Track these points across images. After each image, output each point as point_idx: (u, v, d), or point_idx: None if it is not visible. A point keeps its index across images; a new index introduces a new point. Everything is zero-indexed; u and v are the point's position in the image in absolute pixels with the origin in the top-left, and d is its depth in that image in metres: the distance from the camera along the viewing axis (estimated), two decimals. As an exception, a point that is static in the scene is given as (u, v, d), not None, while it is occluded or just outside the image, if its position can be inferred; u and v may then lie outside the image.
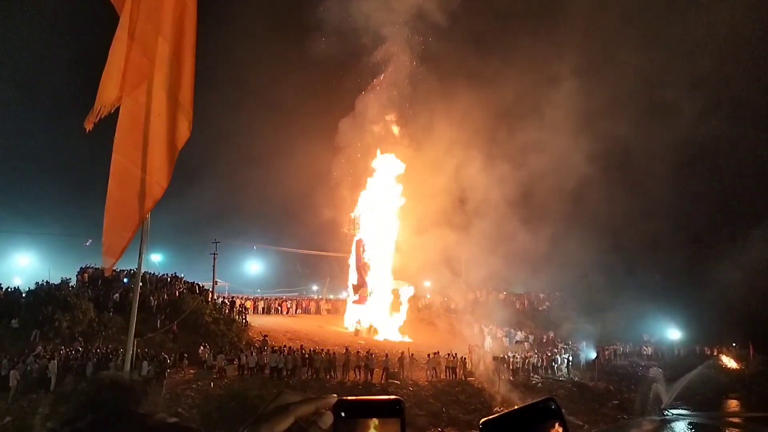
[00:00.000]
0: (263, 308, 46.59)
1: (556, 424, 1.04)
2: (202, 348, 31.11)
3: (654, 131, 50.45)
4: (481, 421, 1.05)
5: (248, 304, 44.86)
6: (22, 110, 69.91)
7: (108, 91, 4.23)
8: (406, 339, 42.61)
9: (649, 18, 56.21)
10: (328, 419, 1.01)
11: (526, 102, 50.31)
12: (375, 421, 1.02)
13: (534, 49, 53.35)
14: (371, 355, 32.70)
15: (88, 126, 4.16)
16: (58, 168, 73.09)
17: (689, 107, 50.26)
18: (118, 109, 4.27)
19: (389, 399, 1.05)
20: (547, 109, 48.37)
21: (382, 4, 48.72)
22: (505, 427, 1.04)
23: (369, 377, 31.63)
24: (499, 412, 1.08)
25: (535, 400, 1.06)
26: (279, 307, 47.97)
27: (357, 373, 31.97)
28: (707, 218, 61.78)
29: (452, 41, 49.30)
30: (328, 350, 32.85)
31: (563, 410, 1.06)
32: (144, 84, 4.36)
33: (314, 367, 31.33)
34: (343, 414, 1.02)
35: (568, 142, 46.12)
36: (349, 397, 1.05)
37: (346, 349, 33.27)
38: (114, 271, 36.01)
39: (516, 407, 1.06)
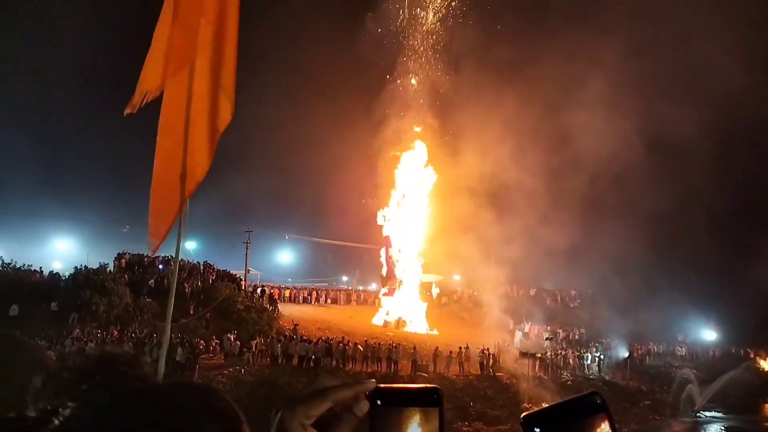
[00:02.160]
0: (290, 296, 47.14)
1: (602, 419, 0.98)
2: (226, 336, 31.63)
3: (691, 121, 48.24)
4: (522, 416, 0.99)
5: (287, 293, 45.68)
6: (63, 98, 71.52)
7: (153, 76, 4.28)
8: (434, 332, 42.59)
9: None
10: (364, 406, 0.99)
11: (559, 88, 48.88)
12: (412, 409, 0.99)
13: (575, 29, 51.72)
14: (394, 347, 32.83)
15: (127, 111, 4.23)
16: (98, 156, 74.63)
17: (734, 94, 48.24)
18: (160, 96, 4.33)
19: (427, 387, 1.02)
20: (581, 95, 46.70)
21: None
22: (547, 422, 0.98)
23: (393, 369, 31.76)
24: (534, 408, 1.03)
25: (578, 394, 1.00)
26: (308, 297, 48.49)
27: (379, 365, 32.11)
28: (745, 216, 60.08)
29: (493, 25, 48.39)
30: (345, 341, 32.93)
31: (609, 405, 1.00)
32: (187, 67, 4.40)
33: (334, 357, 31.47)
34: (379, 402, 1.00)
35: (604, 129, 44.49)
36: (387, 385, 1.03)
37: (366, 342, 33.42)
38: (150, 256, 36.94)
39: (558, 401, 1.00)
